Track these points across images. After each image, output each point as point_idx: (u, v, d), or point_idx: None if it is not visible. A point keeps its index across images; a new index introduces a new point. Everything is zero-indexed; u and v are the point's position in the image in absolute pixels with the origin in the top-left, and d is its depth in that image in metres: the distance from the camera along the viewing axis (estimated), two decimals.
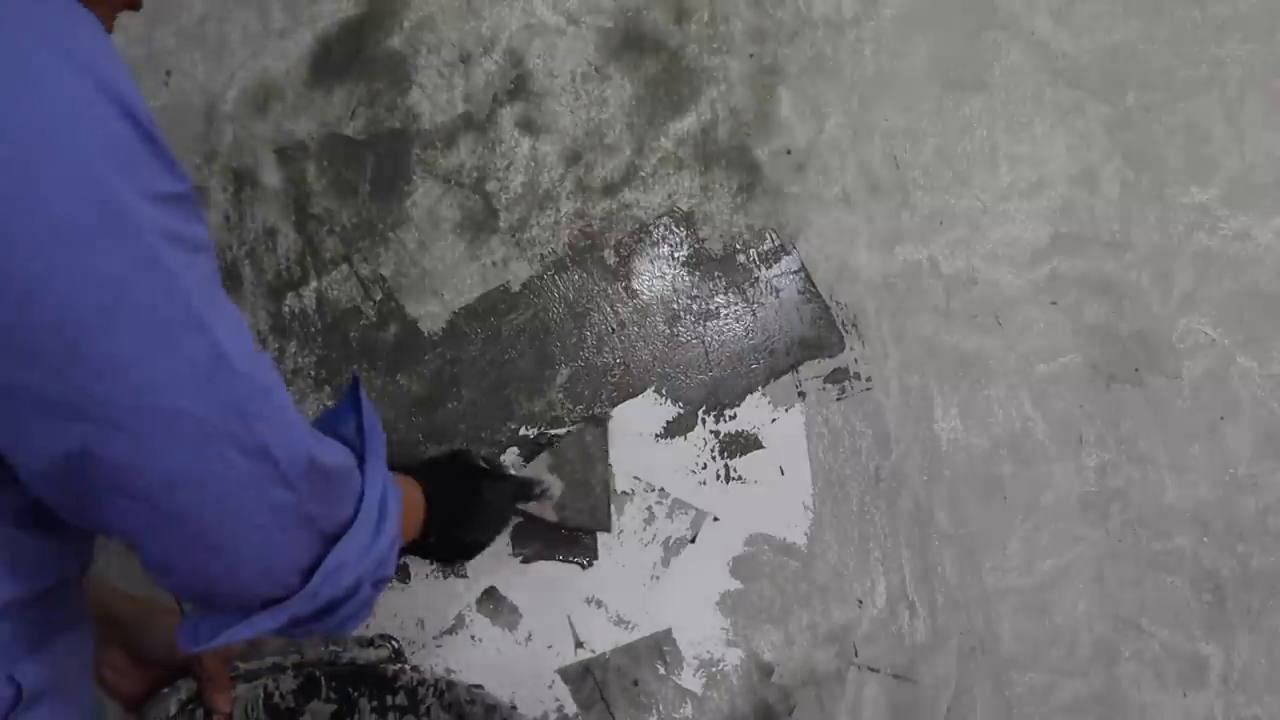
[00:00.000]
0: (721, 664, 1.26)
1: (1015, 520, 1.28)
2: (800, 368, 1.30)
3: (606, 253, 1.32)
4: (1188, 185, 1.32)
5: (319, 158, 1.33)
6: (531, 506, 1.22)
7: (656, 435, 1.29)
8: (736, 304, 1.31)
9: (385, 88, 1.34)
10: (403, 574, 1.27)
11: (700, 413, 1.30)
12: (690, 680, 1.26)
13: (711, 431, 1.29)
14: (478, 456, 1.19)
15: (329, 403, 1.30)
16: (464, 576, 1.27)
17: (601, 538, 1.28)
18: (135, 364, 0.57)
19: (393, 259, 1.32)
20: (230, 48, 1.34)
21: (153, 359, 0.58)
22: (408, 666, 1.16)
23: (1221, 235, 1.32)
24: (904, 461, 1.29)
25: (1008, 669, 1.26)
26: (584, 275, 1.32)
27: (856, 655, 1.26)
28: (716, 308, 1.31)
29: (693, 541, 1.28)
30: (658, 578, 1.28)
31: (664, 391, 1.30)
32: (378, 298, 1.31)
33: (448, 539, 1.03)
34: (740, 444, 1.29)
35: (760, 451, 1.29)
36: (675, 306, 1.31)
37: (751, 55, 1.34)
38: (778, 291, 1.31)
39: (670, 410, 1.30)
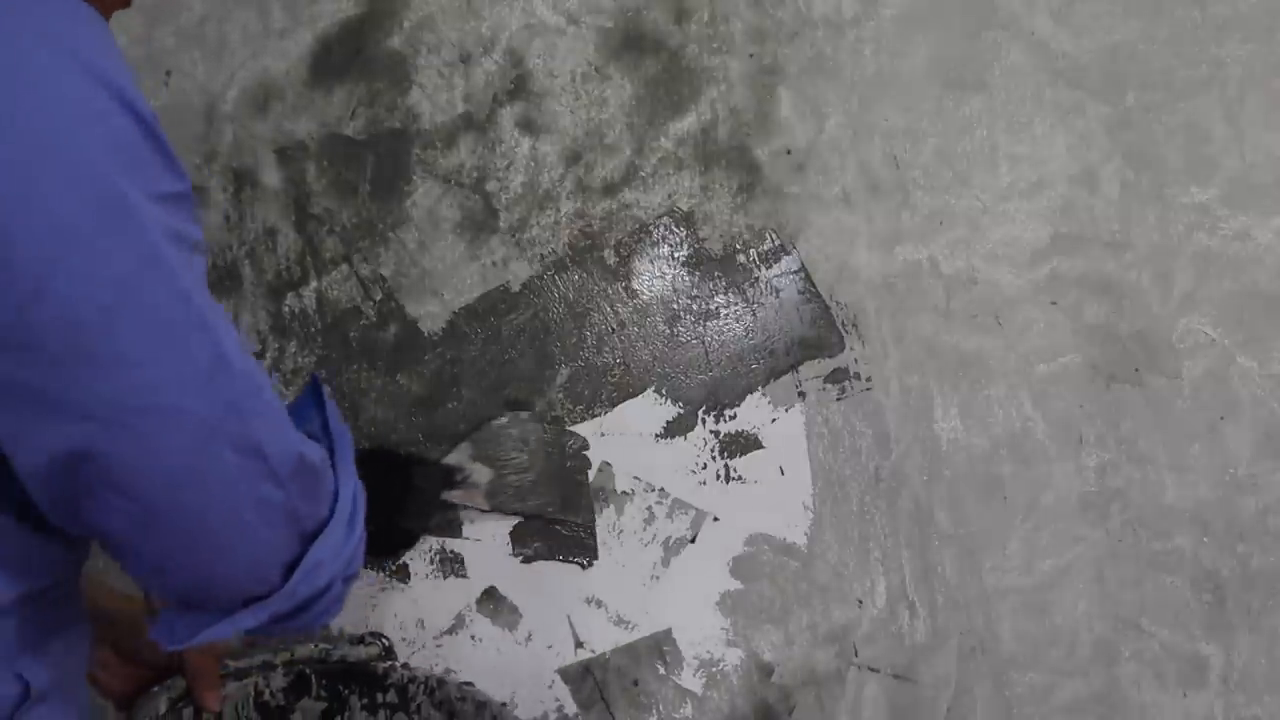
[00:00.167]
0: (721, 664, 1.26)
1: (1015, 520, 1.28)
2: (800, 368, 1.30)
3: (606, 253, 1.32)
4: (1188, 185, 1.32)
5: (319, 158, 1.33)
6: (458, 494, 1.21)
7: (656, 435, 1.29)
8: (736, 304, 1.31)
9: (385, 88, 1.34)
10: (403, 574, 1.27)
11: (700, 413, 1.30)
12: (690, 680, 1.26)
13: (711, 431, 1.29)
14: (398, 449, 1.19)
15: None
16: (464, 577, 1.27)
17: (601, 537, 1.28)
18: (139, 363, 0.57)
19: (393, 259, 1.32)
20: (230, 48, 1.34)
21: (156, 358, 0.58)
22: (398, 664, 1.16)
23: (1221, 235, 1.32)
24: (904, 461, 1.29)
25: (1008, 669, 1.26)
26: (584, 275, 1.32)
27: (856, 655, 1.26)
28: (716, 308, 1.31)
29: (693, 541, 1.28)
30: (658, 578, 1.28)
31: (664, 391, 1.30)
32: (378, 298, 1.31)
33: (384, 529, 1.03)
34: (740, 444, 1.29)
35: (760, 451, 1.29)
36: (675, 306, 1.31)
37: (751, 55, 1.34)
38: (778, 291, 1.31)
39: (670, 410, 1.30)
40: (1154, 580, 1.28)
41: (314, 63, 1.34)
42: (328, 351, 1.31)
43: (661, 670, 1.26)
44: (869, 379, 1.30)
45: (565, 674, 1.26)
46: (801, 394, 1.30)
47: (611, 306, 1.31)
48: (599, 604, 1.27)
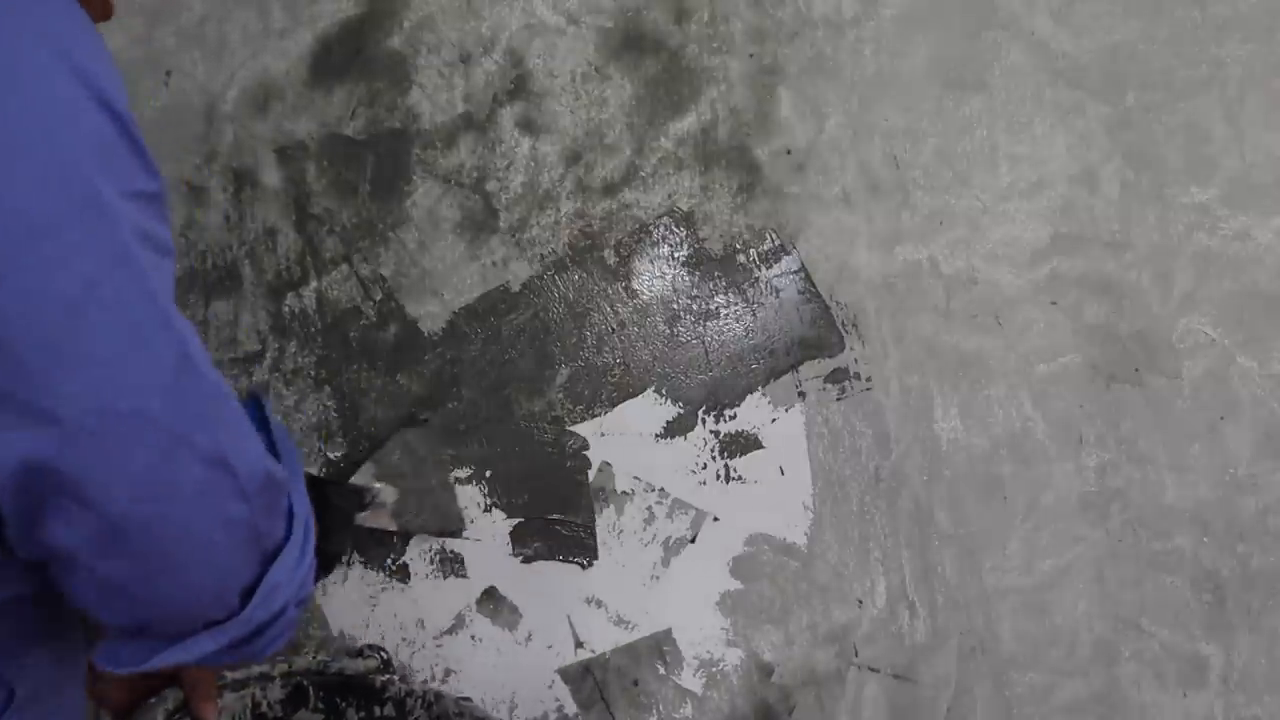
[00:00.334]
0: (721, 664, 1.26)
1: (1015, 520, 1.28)
2: (800, 368, 1.30)
3: (606, 253, 1.32)
4: (1188, 185, 1.32)
5: (319, 158, 1.33)
6: (366, 516, 1.18)
7: (656, 435, 1.29)
8: (736, 304, 1.31)
9: (385, 88, 1.34)
10: (403, 574, 1.27)
11: (700, 413, 1.30)
12: (690, 680, 1.26)
13: (711, 431, 1.29)
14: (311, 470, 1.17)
15: (329, 403, 1.30)
16: (464, 577, 1.27)
17: (601, 537, 1.28)
18: (104, 362, 0.55)
19: (393, 259, 1.32)
20: (230, 48, 1.34)
21: (121, 358, 0.56)
22: (396, 677, 1.15)
23: (1221, 235, 1.32)
24: (904, 461, 1.29)
25: (1008, 669, 1.26)
26: (584, 275, 1.32)
27: (856, 655, 1.26)
28: (716, 308, 1.31)
29: (693, 541, 1.28)
30: (658, 578, 1.28)
31: (664, 391, 1.30)
32: (378, 298, 1.31)
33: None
34: (740, 444, 1.29)
35: (760, 451, 1.29)
36: (675, 306, 1.31)
37: (751, 55, 1.34)
38: (778, 291, 1.31)
39: (670, 410, 1.30)
40: (1154, 580, 1.28)
41: (314, 63, 1.34)
42: (328, 351, 1.31)
43: (661, 670, 1.26)
44: (869, 379, 1.30)
45: (565, 674, 1.26)
46: (801, 394, 1.30)
47: (611, 306, 1.31)
48: (599, 604, 1.27)
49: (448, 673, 1.26)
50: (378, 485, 1.21)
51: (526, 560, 1.27)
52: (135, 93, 1.33)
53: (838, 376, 1.30)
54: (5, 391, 0.53)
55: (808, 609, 1.27)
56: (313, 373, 1.30)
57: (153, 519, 0.59)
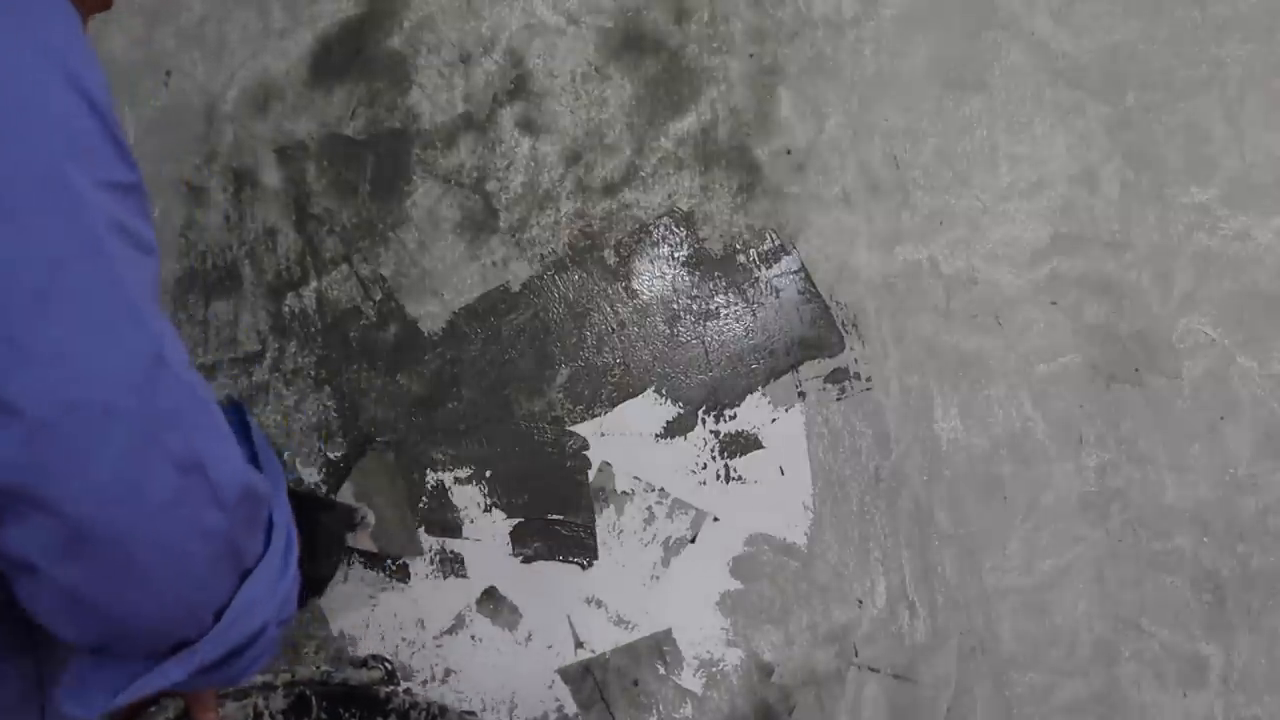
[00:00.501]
0: (721, 664, 1.26)
1: (1015, 520, 1.28)
2: (800, 368, 1.30)
3: (606, 253, 1.32)
4: (1188, 185, 1.32)
5: (319, 158, 1.33)
6: (355, 537, 1.16)
7: (656, 435, 1.29)
8: (736, 304, 1.31)
9: (385, 88, 1.34)
10: (402, 574, 1.27)
11: (700, 413, 1.30)
12: (690, 680, 1.26)
13: (711, 431, 1.29)
14: (295, 487, 1.14)
15: (329, 403, 1.30)
16: (464, 577, 1.27)
17: (601, 537, 1.28)
18: (67, 353, 0.52)
19: (393, 259, 1.32)
20: (230, 48, 1.34)
21: (87, 349, 0.53)
22: (400, 689, 1.15)
23: (1221, 235, 1.32)
24: (904, 461, 1.29)
25: (1008, 669, 1.26)
26: (584, 275, 1.32)
27: (856, 655, 1.26)
28: (716, 308, 1.31)
29: (693, 541, 1.28)
30: (658, 578, 1.28)
31: (664, 391, 1.30)
32: (378, 298, 1.31)
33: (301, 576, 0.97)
34: (740, 444, 1.29)
35: (760, 451, 1.29)
36: (675, 306, 1.31)
37: (751, 55, 1.34)
38: (778, 291, 1.31)
39: (670, 410, 1.30)
40: (1154, 580, 1.28)
41: (314, 63, 1.34)
42: (328, 351, 1.31)
43: (661, 670, 1.26)
44: (869, 379, 1.30)
45: (565, 674, 1.26)
46: (801, 394, 1.30)
47: (611, 306, 1.31)
48: (599, 604, 1.27)
49: (448, 673, 1.26)
50: (362, 506, 1.20)
51: (526, 560, 1.27)
52: (135, 93, 1.33)
53: (838, 376, 1.30)
54: None
55: (808, 609, 1.27)
56: (313, 373, 1.30)
57: (119, 524, 0.55)
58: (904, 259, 1.32)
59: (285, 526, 0.70)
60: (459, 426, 1.29)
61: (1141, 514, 1.28)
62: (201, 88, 1.34)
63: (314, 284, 1.31)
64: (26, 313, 0.51)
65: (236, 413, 0.78)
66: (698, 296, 1.31)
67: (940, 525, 1.28)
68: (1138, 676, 1.26)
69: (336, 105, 1.33)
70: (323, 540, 1.00)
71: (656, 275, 1.32)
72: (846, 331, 1.31)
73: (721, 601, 1.27)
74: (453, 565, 1.27)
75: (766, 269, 1.31)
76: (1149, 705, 1.26)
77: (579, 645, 1.26)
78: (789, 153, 1.33)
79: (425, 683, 1.25)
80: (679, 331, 1.31)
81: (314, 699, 1.11)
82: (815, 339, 1.31)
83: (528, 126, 1.33)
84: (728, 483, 1.29)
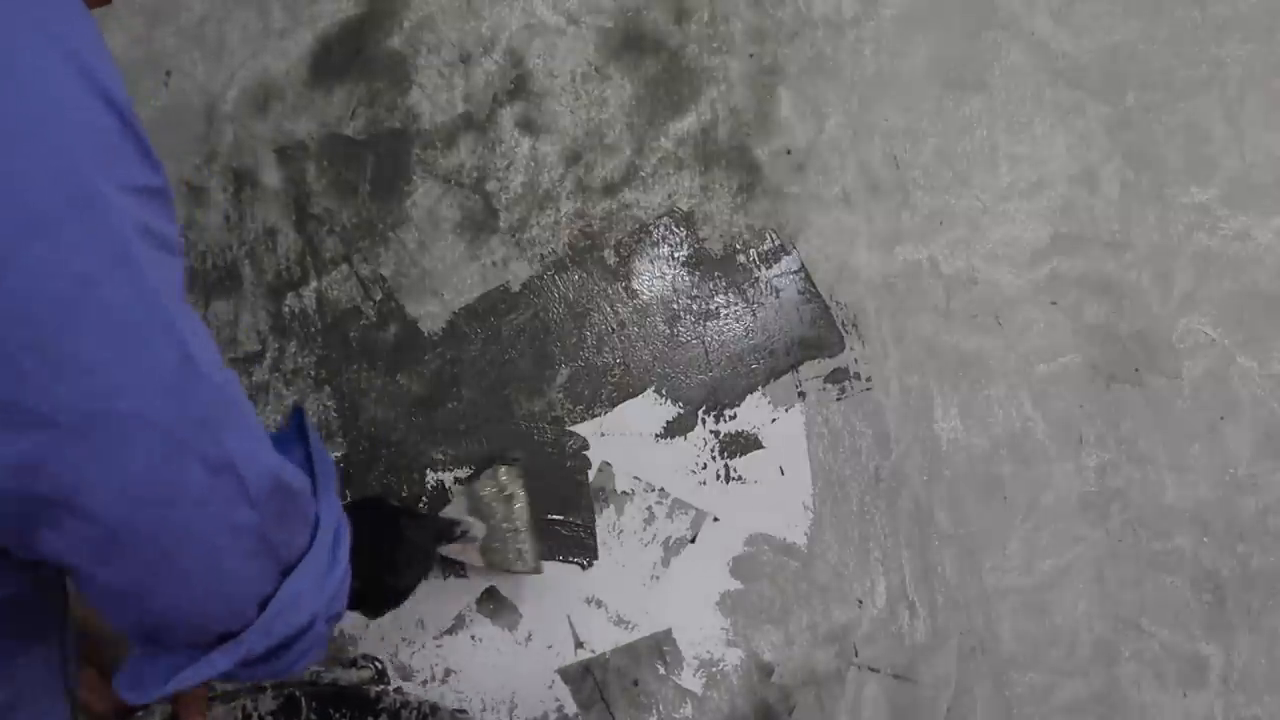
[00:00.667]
0: (721, 664, 1.26)
1: (1015, 520, 1.28)
2: (800, 368, 1.30)
3: (606, 253, 1.32)
4: (1188, 185, 1.32)
5: (319, 158, 1.33)
6: (453, 549, 1.15)
7: (656, 435, 1.29)
8: (736, 304, 1.31)
9: (385, 88, 1.34)
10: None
11: (700, 413, 1.30)
12: (690, 680, 1.26)
13: (711, 431, 1.29)
14: (392, 499, 1.14)
15: (329, 403, 1.30)
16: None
17: (601, 537, 1.28)
18: (98, 364, 0.53)
19: (393, 259, 1.32)
20: (230, 48, 1.34)
21: (118, 359, 0.53)
22: (391, 688, 1.15)
23: (1221, 235, 1.32)
24: (904, 461, 1.29)
25: (1008, 669, 1.26)
26: (584, 275, 1.32)
27: (856, 655, 1.26)
28: (716, 308, 1.31)
29: (693, 541, 1.28)
30: (658, 578, 1.28)
31: (664, 391, 1.30)
32: (378, 298, 1.31)
33: (375, 585, 0.96)
34: (740, 444, 1.29)
35: (760, 451, 1.29)
36: (675, 306, 1.31)
37: (751, 55, 1.34)
38: (778, 291, 1.31)
39: (670, 410, 1.30)
40: (1154, 580, 1.28)
41: (314, 63, 1.34)
42: (328, 351, 1.31)
43: (661, 670, 1.26)
44: (869, 379, 1.30)
45: (565, 674, 1.26)
46: (801, 394, 1.30)
47: (611, 306, 1.31)
48: (599, 604, 1.27)
49: (448, 673, 1.26)
50: (470, 519, 1.18)
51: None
52: (135, 93, 1.33)
53: (838, 376, 1.30)
54: None
55: (808, 609, 1.27)
56: (313, 373, 1.30)
57: (149, 526, 0.57)
58: (904, 259, 1.32)
59: (332, 526, 0.72)
60: (459, 426, 1.29)
61: (1141, 514, 1.28)
62: (201, 88, 1.34)
63: (314, 284, 1.31)
64: (56, 325, 0.51)
65: (298, 418, 0.80)
66: (698, 296, 1.31)
67: (940, 525, 1.28)
68: (1138, 676, 1.26)
69: (336, 105, 1.33)
70: (406, 553, 1.01)
71: (656, 275, 1.32)
72: (846, 331, 1.31)
73: (721, 601, 1.27)
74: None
75: (766, 269, 1.31)
76: (1149, 705, 1.26)
77: (579, 645, 1.26)
78: (789, 153, 1.33)
79: (425, 683, 1.25)
80: (679, 331, 1.31)
81: (304, 700, 1.11)
82: (815, 339, 1.31)
83: (528, 126, 1.33)
84: (728, 483, 1.29)
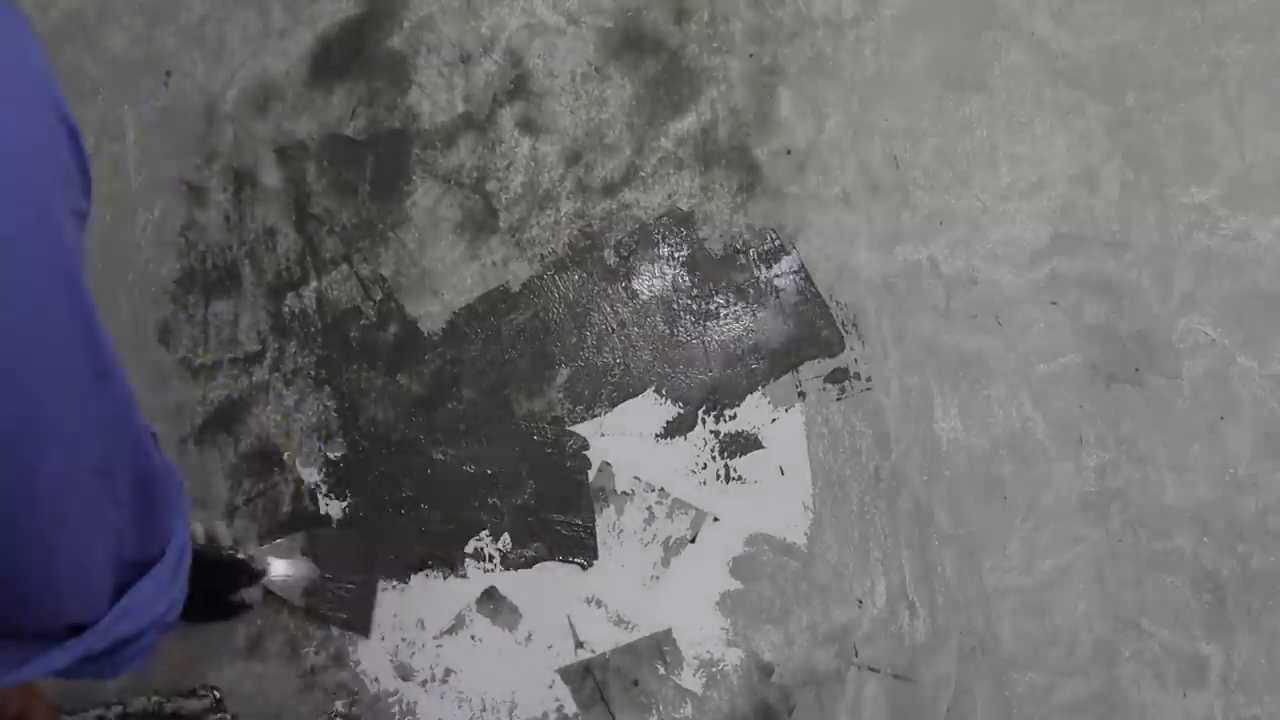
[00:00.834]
0: (721, 664, 1.26)
1: (1015, 520, 1.28)
2: (800, 368, 1.30)
3: (606, 253, 1.32)
4: (1188, 185, 1.32)
5: (319, 158, 1.33)
6: (249, 593, 1.18)
7: (656, 435, 1.29)
8: (736, 304, 1.31)
9: (385, 88, 1.34)
10: (402, 575, 1.27)
11: (700, 413, 1.30)
12: (690, 680, 1.26)
13: (711, 431, 1.29)
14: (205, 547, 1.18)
15: (329, 403, 1.30)
16: (464, 577, 1.27)
17: (601, 537, 1.28)
18: (38, 372, 0.53)
19: (393, 259, 1.32)
20: (230, 48, 1.34)
21: (53, 368, 0.55)
22: (229, 716, 1.17)
23: (1221, 235, 1.32)
24: (904, 461, 1.29)
25: (1008, 669, 1.26)
26: (584, 275, 1.32)
27: (856, 655, 1.26)
28: (716, 308, 1.31)
29: (693, 541, 1.28)
30: (658, 578, 1.28)
31: (664, 391, 1.30)
32: (378, 298, 1.31)
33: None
34: (740, 444, 1.29)
35: (760, 451, 1.29)
36: (675, 306, 1.31)
37: (751, 55, 1.34)
38: (778, 291, 1.31)
39: (670, 410, 1.30)
40: (1154, 580, 1.28)
41: (314, 63, 1.34)
42: (328, 351, 1.31)
43: (661, 670, 1.26)
44: (869, 379, 1.30)
45: (565, 674, 1.26)
46: (801, 394, 1.30)
47: (611, 306, 1.31)
48: (599, 604, 1.27)
49: (448, 673, 1.26)
50: (283, 562, 1.21)
51: (526, 560, 1.27)
52: (135, 93, 1.34)
53: (838, 376, 1.30)
54: None
55: (808, 609, 1.27)
56: (313, 373, 1.30)
57: (42, 525, 0.58)
58: (904, 259, 1.32)
59: (180, 545, 0.75)
60: (459, 426, 1.29)
61: (1141, 514, 1.28)
62: (201, 88, 1.34)
63: (314, 284, 1.31)
64: (11, 340, 0.51)
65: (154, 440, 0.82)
66: (698, 296, 1.31)
67: (940, 525, 1.28)
68: (1138, 676, 1.26)
69: (336, 105, 1.33)
70: (200, 589, 1.04)
71: (656, 275, 1.32)
72: (846, 331, 1.31)
73: (721, 601, 1.27)
74: (453, 565, 1.27)
75: (766, 269, 1.31)
76: (1149, 705, 1.26)
77: (579, 645, 1.26)
78: (789, 153, 1.33)
79: (425, 683, 1.25)
80: (679, 331, 1.31)
81: None
82: (815, 339, 1.31)
83: (528, 126, 1.33)
84: (728, 483, 1.29)
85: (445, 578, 1.27)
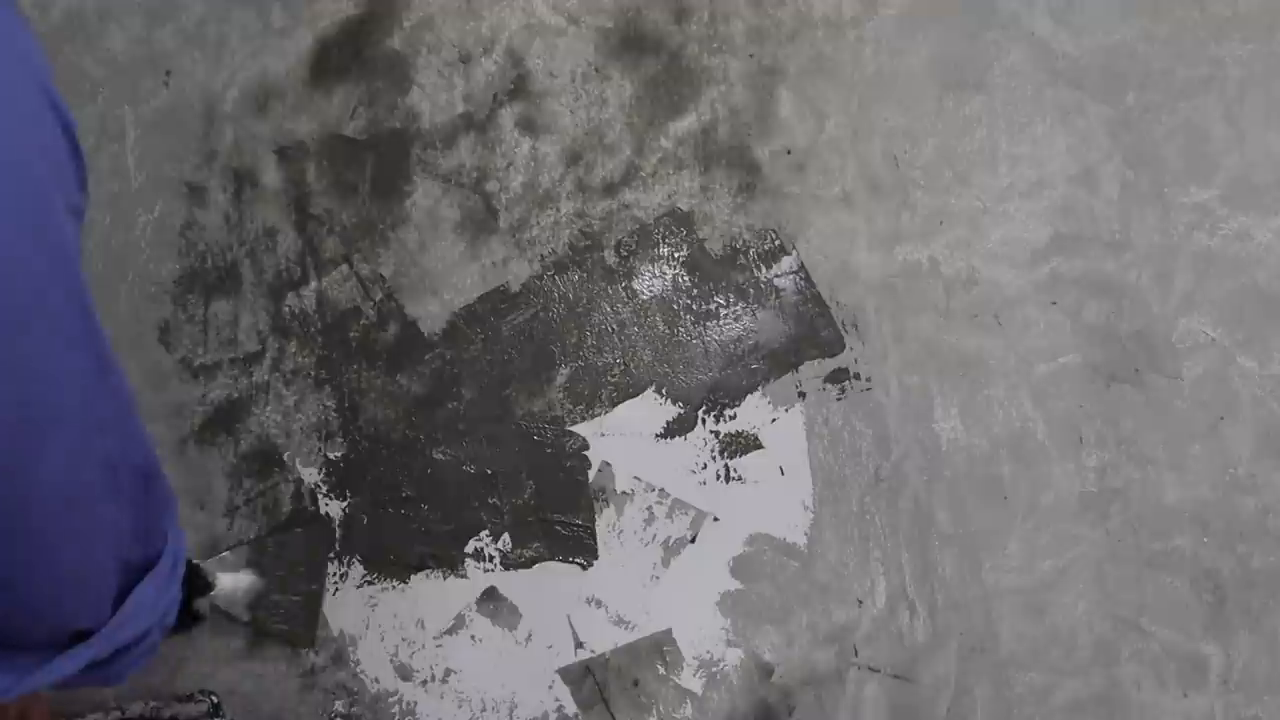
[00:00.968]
0: (721, 664, 1.26)
1: (1015, 520, 1.28)
2: (800, 368, 1.30)
3: (606, 253, 1.32)
4: (1188, 185, 1.32)
5: (319, 158, 1.33)
6: (201, 602, 1.17)
7: (656, 435, 1.29)
8: (736, 304, 1.31)
9: (385, 88, 1.34)
10: (402, 574, 1.27)
11: (700, 413, 1.30)
12: (690, 680, 1.26)
13: (711, 431, 1.29)
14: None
15: (329, 403, 1.30)
16: (464, 577, 1.27)
17: (601, 537, 1.28)
18: (37, 363, 0.54)
19: (393, 259, 1.32)
20: (230, 48, 1.34)
21: (53, 359, 0.55)
22: None
23: (1221, 235, 1.32)
24: (904, 461, 1.29)
25: (1008, 669, 1.26)
26: (584, 275, 1.32)
27: (856, 655, 1.26)
28: (716, 308, 1.31)
29: (693, 541, 1.28)
30: (658, 578, 1.28)
31: (664, 391, 1.30)
32: (378, 298, 1.31)
33: None
34: (740, 444, 1.29)
35: (760, 451, 1.29)
36: (675, 306, 1.31)
37: (751, 55, 1.34)
38: (778, 291, 1.31)
39: (670, 410, 1.30)
40: (1154, 580, 1.28)
41: (314, 63, 1.34)
42: (328, 351, 1.31)
43: (661, 670, 1.26)
44: (869, 379, 1.30)
45: (565, 674, 1.26)
46: (801, 394, 1.30)
47: (611, 306, 1.31)
48: (599, 604, 1.27)
49: (448, 673, 1.26)
50: (230, 575, 1.21)
51: (526, 560, 1.27)
52: (135, 93, 1.33)
53: (838, 376, 1.30)
54: None
55: (808, 609, 1.27)
56: (313, 373, 1.30)
57: (42, 515, 0.57)
58: (904, 259, 1.32)
59: (175, 549, 0.74)
60: (459, 426, 1.29)
61: (1141, 514, 1.28)
62: (201, 88, 1.34)
63: (314, 284, 1.31)
64: (11, 326, 0.51)
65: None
66: (698, 296, 1.31)
67: (940, 525, 1.28)
68: (1138, 676, 1.26)
69: (336, 105, 1.33)
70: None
71: (656, 275, 1.32)
72: (846, 331, 1.31)
73: (721, 601, 1.27)
74: (453, 565, 1.27)
75: (766, 269, 1.31)
76: (1149, 705, 1.26)
77: (579, 645, 1.26)
78: (789, 153, 1.33)
79: (425, 683, 1.25)
80: (679, 331, 1.31)
81: None
82: (815, 339, 1.31)
83: (528, 126, 1.33)
84: (728, 483, 1.29)
85: (445, 578, 1.27)
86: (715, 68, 1.33)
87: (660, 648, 1.27)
